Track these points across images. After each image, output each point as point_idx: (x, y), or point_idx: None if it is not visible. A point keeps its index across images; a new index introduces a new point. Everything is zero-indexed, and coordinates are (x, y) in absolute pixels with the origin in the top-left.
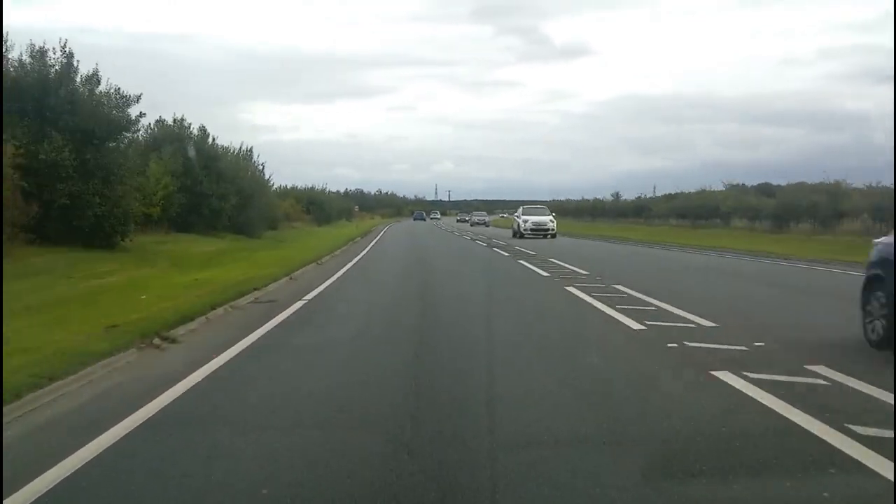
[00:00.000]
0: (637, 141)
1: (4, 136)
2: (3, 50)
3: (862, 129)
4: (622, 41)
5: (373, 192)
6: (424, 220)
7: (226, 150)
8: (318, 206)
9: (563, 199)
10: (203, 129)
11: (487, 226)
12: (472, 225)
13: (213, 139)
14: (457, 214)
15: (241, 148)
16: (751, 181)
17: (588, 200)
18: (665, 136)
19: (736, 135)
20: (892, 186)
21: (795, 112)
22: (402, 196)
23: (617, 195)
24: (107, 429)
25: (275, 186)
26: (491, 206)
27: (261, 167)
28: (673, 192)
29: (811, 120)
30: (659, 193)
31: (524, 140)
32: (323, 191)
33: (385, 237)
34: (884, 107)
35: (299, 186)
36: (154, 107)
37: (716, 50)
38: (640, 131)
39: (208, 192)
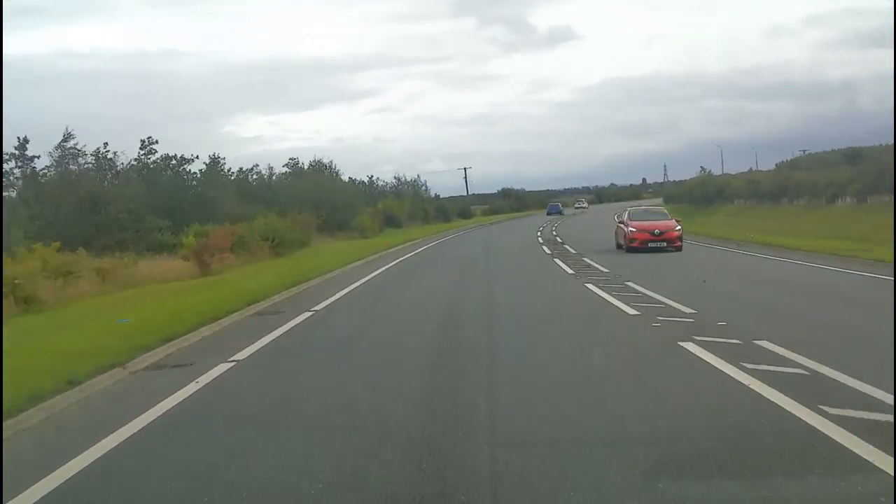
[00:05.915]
0: (624, 125)
1: None
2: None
3: (848, 95)
4: (605, 23)
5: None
6: (561, 213)
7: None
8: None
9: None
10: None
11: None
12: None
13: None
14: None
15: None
16: (743, 158)
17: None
18: (651, 118)
19: (722, 112)
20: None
21: (783, 84)
22: (376, 182)
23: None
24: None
25: None
26: (484, 200)
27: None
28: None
29: (800, 91)
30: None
31: (513, 132)
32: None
33: None
34: (871, 70)
35: None
36: (142, 127)
37: (700, 25)
38: (627, 115)
39: None
